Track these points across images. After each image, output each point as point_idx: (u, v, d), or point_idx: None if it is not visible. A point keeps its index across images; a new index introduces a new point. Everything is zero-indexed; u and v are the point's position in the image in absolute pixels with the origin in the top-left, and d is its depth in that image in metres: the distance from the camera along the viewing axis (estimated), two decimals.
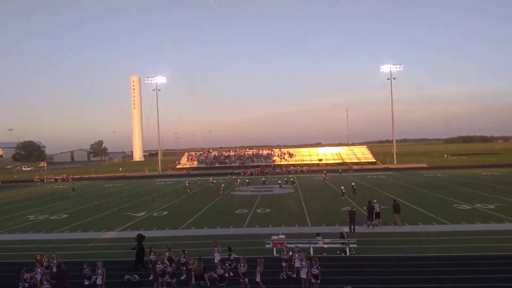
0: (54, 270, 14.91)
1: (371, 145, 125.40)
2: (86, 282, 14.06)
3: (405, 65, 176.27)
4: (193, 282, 14.01)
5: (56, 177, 78.62)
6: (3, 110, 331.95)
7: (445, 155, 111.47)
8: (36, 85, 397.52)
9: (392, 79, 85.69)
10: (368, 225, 23.28)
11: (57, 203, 40.54)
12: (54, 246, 19.52)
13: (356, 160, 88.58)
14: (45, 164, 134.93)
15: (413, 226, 23.27)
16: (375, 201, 25.22)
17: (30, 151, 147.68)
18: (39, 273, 13.94)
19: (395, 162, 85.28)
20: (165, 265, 14.25)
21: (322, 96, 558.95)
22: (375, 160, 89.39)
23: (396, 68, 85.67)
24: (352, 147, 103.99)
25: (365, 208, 28.03)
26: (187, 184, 45.98)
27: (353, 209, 23.25)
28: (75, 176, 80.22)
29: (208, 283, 13.51)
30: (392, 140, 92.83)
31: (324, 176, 55.76)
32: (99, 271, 14.01)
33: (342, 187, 38.41)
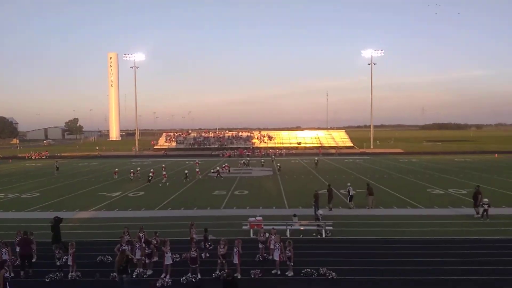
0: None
1: (350, 130, 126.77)
2: (58, 263, 13.68)
3: (386, 52, 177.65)
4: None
5: (39, 155, 76.52)
6: None
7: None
8: (8, 59, 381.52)
9: (373, 64, 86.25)
10: (328, 208, 23.30)
11: (29, 181, 39.30)
12: (24, 226, 18.82)
13: (334, 144, 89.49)
14: (18, 141, 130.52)
15: (388, 209, 23.69)
16: (349, 184, 25.63)
17: (1, 127, 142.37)
18: None
19: (371, 147, 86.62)
20: (127, 246, 13.90)
21: (304, 80, 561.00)
22: (352, 145, 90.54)
23: (378, 53, 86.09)
24: (331, 131, 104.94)
25: (342, 191, 28.44)
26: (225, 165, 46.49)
27: (317, 192, 23.10)
28: (57, 154, 78.10)
29: (133, 277, 12.91)
30: (370, 125, 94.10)
31: (316, 161, 52.95)
32: (71, 251, 13.63)
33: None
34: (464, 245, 16.49)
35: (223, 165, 46.80)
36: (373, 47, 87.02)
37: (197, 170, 42.29)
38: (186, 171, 40.83)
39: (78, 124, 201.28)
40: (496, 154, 67.52)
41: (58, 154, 79.84)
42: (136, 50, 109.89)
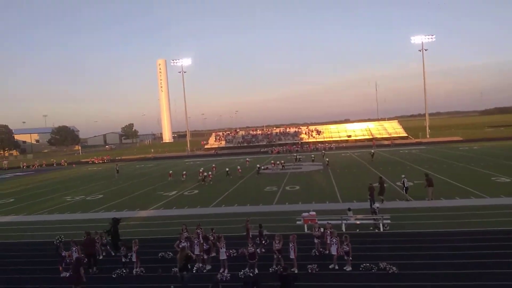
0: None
1: (402, 120, 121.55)
2: (124, 260, 14.46)
3: (437, 36, 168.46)
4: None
5: (102, 159, 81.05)
6: (38, 97, 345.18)
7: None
8: (68, 72, 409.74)
9: (424, 50, 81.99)
10: (381, 201, 22.21)
11: (92, 184, 41.91)
12: (90, 226, 20.13)
13: (387, 135, 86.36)
14: (80, 148, 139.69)
15: (450, 201, 22.43)
16: (403, 176, 24.64)
17: (65, 136, 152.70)
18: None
19: (427, 136, 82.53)
20: (186, 242, 14.41)
21: (350, 71, 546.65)
22: (406, 135, 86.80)
23: (428, 38, 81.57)
24: (382, 122, 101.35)
25: (398, 183, 27.40)
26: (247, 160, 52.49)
27: (372, 184, 22.25)
28: (117, 158, 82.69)
29: (189, 275, 12.70)
30: (425, 113, 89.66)
31: (372, 153, 49.92)
32: (134, 248, 14.35)
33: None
34: None
35: (271, 162, 47.01)
36: (423, 32, 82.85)
37: (238, 168, 42.30)
38: (228, 169, 41.31)
39: (133, 129, 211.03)
40: None
41: (118, 158, 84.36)
42: (183, 56, 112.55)
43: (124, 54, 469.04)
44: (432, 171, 32.18)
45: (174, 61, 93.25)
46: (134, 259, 14.35)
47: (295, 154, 57.50)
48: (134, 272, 14.16)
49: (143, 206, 27.24)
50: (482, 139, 70.56)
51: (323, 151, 60.72)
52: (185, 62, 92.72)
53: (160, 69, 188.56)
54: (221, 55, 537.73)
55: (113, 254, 16.47)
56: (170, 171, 43.70)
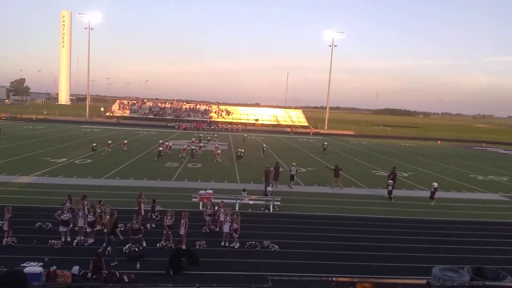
0: None
1: (307, 110, 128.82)
2: None
3: (347, 35, 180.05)
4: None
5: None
6: None
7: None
8: None
9: (334, 46, 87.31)
10: (274, 185, 23.18)
11: None
12: None
13: (291, 123, 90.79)
14: None
15: (335, 189, 24.63)
16: (294, 164, 26.05)
17: None
18: None
19: (325, 128, 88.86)
20: (68, 213, 13.68)
21: (266, 57, 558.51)
22: (308, 125, 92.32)
23: (339, 35, 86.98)
24: (288, 110, 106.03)
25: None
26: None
27: (268, 168, 23.36)
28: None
29: (121, 238, 12.55)
30: (326, 107, 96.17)
31: (324, 146, 44.74)
32: (6, 216, 13.02)
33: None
34: (402, 224, 17.76)
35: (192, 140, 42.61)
36: (335, 28, 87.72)
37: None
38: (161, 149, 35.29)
39: (24, 85, 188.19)
40: (439, 141, 71.82)
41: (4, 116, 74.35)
42: (91, 10, 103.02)
43: None
44: (325, 161, 34.89)
45: (81, 14, 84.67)
46: (5, 228, 13.03)
47: (201, 135, 52.15)
48: (4, 242, 12.87)
49: (24, 171, 24.67)
50: (371, 136, 78.47)
51: (245, 136, 56.57)
52: (94, 17, 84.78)
53: (63, 21, 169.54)
54: (135, 18, 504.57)
55: None
56: (125, 141, 38.08)
